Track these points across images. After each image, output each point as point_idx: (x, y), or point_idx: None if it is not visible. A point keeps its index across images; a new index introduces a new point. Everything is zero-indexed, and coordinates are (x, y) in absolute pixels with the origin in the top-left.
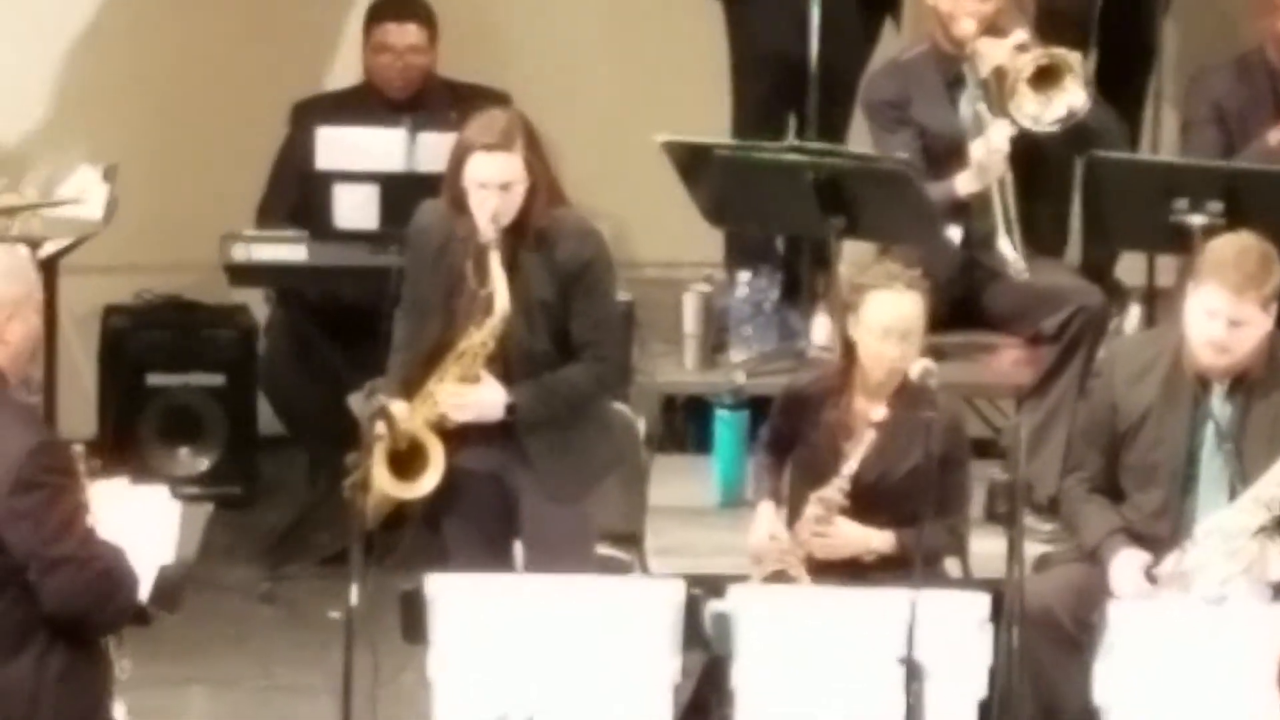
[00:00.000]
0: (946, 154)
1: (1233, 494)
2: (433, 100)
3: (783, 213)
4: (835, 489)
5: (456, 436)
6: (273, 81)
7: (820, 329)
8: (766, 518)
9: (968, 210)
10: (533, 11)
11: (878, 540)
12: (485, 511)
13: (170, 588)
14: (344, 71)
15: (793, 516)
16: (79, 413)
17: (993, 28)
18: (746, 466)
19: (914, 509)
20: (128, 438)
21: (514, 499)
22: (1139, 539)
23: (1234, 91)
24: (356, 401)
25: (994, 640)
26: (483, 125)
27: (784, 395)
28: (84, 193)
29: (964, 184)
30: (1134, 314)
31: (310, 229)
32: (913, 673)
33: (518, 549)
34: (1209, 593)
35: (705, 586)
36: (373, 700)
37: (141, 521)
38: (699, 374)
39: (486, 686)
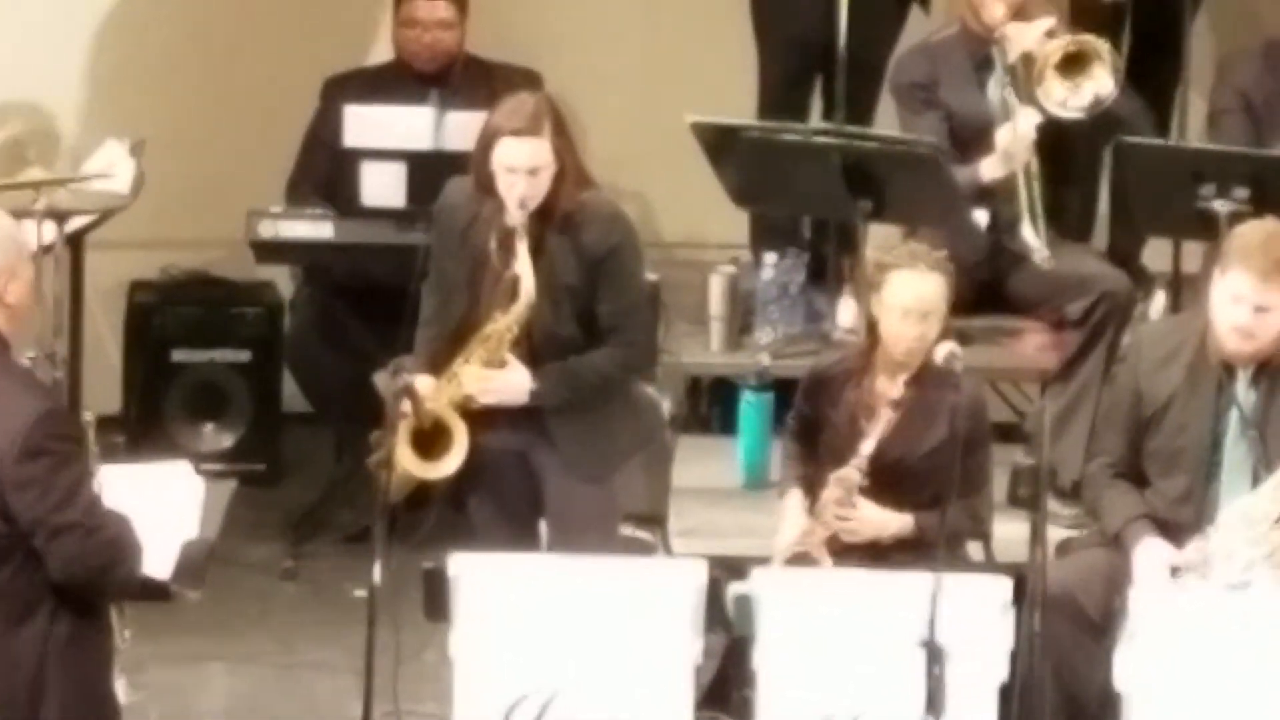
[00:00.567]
0: (973, 137)
1: (1256, 480)
2: (463, 78)
3: (810, 195)
4: (853, 468)
5: (482, 416)
6: (302, 57)
7: (846, 311)
8: (795, 511)
9: (994, 195)
10: None
11: (896, 524)
12: (510, 490)
13: (193, 564)
14: (378, 48)
15: (814, 498)
16: (104, 388)
17: (1021, 13)
18: (771, 449)
19: (934, 490)
20: (152, 413)
21: (539, 478)
22: (1162, 525)
23: (1261, 79)
24: (382, 379)
25: (1015, 624)
26: (511, 109)
27: (808, 378)
28: (111, 167)
29: (988, 169)
30: (1159, 300)
31: (337, 206)
32: (934, 656)
33: (543, 528)
34: (1231, 579)
35: (728, 568)
36: (394, 678)
37: (165, 498)
38: (724, 355)
39: (508, 665)
